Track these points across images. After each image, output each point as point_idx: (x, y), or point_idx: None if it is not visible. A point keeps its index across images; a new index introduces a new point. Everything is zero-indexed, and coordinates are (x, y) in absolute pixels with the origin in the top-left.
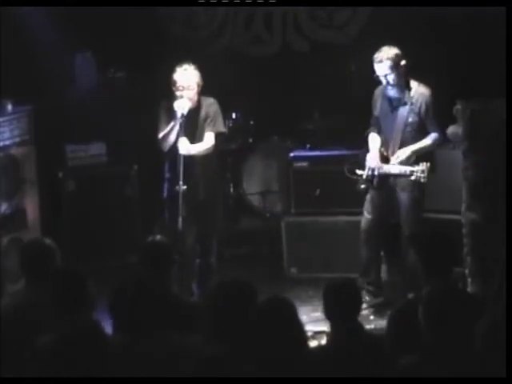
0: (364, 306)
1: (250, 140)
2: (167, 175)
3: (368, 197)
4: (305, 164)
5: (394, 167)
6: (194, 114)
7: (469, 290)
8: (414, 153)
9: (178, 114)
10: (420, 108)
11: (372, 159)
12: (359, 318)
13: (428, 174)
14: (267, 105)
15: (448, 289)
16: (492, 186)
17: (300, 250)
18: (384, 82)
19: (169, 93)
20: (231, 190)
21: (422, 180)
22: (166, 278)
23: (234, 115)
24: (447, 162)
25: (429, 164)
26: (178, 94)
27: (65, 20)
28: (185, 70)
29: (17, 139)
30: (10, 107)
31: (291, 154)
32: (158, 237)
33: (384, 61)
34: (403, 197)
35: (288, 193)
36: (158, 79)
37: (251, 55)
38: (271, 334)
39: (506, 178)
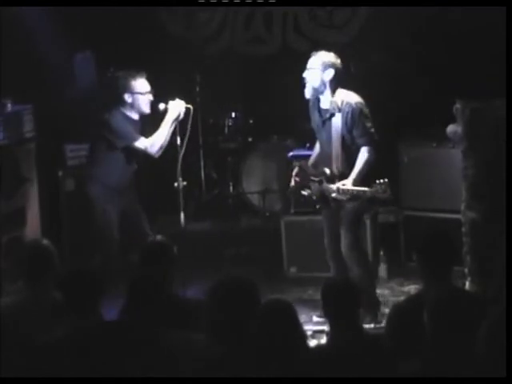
0: None
1: (250, 139)
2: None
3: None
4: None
5: (350, 189)
6: (145, 119)
7: (468, 288)
8: (358, 178)
9: (175, 115)
10: (347, 119)
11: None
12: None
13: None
14: (267, 104)
15: (454, 293)
16: (491, 186)
17: (299, 249)
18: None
19: (123, 100)
20: (231, 189)
21: (386, 198)
22: (167, 277)
23: (233, 114)
24: (447, 161)
25: (386, 180)
26: (142, 98)
27: (65, 20)
28: (141, 76)
29: (16, 138)
30: (9, 106)
31: (291, 154)
32: (159, 237)
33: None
34: (346, 209)
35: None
36: (158, 79)
37: (251, 55)
38: (270, 337)
39: (506, 178)
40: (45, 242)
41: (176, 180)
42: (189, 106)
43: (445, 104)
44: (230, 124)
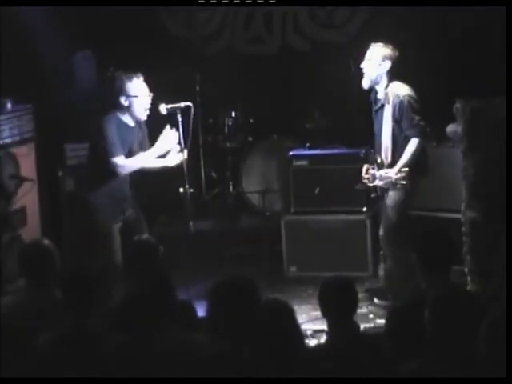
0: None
1: (250, 139)
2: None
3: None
4: (304, 163)
5: (384, 177)
6: (142, 125)
7: (468, 288)
8: (404, 166)
9: (163, 151)
10: (395, 110)
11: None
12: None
13: (412, 176)
14: (267, 103)
15: (453, 292)
16: (491, 185)
17: (299, 248)
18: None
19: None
20: (231, 188)
21: (403, 185)
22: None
23: (233, 113)
24: (447, 160)
25: (407, 169)
26: (139, 101)
27: (65, 20)
28: (138, 78)
29: (16, 138)
30: (9, 106)
31: (291, 153)
32: (145, 236)
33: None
34: (387, 196)
35: (287, 191)
36: (158, 79)
37: (251, 55)
38: (268, 336)
39: (506, 177)
40: (45, 241)
41: (181, 186)
42: (189, 103)
43: (445, 103)
44: (230, 123)
